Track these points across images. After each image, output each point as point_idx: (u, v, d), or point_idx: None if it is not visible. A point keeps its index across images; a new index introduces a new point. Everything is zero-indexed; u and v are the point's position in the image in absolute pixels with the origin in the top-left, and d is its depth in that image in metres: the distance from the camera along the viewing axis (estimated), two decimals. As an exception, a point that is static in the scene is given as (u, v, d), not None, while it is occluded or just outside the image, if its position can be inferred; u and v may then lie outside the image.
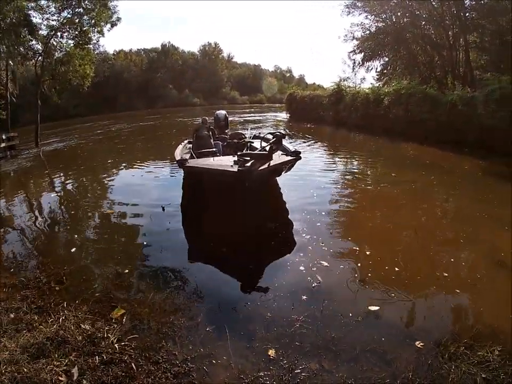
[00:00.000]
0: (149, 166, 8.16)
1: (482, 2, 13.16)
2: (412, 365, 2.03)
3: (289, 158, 4.29)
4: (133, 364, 1.99)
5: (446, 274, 3.05)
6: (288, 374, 1.98)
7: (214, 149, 5.72)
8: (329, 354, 2.13)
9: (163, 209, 4.78)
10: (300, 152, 4.46)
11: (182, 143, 6.79)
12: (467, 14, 13.55)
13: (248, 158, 3.68)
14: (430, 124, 10.32)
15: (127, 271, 3.21)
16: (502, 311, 2.56)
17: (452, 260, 3.38)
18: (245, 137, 6.42)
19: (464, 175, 6.72)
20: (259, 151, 4.27)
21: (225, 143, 6.40)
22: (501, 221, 4.24)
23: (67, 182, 7.22)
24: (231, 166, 3.70)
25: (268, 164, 3.70)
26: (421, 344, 2.19)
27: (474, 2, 13.43)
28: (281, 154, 4.56)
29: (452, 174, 6.74)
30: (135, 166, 8.20)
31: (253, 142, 5.84)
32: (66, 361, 2.00)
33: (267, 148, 4.20)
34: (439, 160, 8.02)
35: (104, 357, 2.04)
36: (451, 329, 2.36)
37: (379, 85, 16.93)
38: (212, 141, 6.01)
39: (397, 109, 11.64)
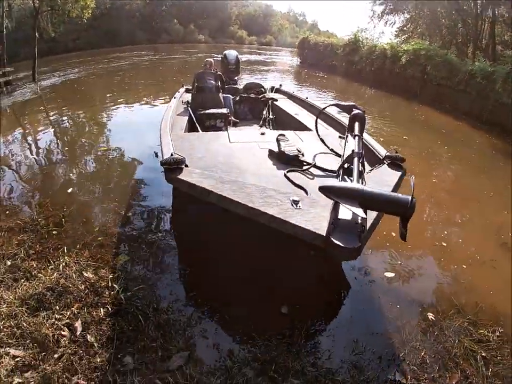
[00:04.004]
0: (148, 103, 7.80)
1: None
2: (419, 334, 2.03)
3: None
4: (140, 317, 1.89)
5: (445, 244, 3.08)
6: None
7: (225, 110, 3.97)
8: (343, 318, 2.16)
9: (156, 155, 4.34)
10: (403, 159, 2.26)
11: (177, 94, 4.67)
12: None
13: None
14: (447, 90, 9.93)
15: (130, 214, 3.06)
16: (504, 293, 2.50)
17: (456, 235, 3.33)
18: (265, 91, 5.10)
19: (477, 150, 6.46)
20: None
21: (237, 98, 4.86)
22: (506, 202, 4.11)
23: (64, 118, 6.79)
24: (292, 208, 1.68)
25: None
26: (431, 315, 2.18)
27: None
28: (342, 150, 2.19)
29: (464, 146, 6.51)
30: (134, 103, 7.81)
31: (276, 100, 4.65)
32: (69, 313, 1.87)
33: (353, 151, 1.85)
34: (451, 130, 7.69)
35: (109, 309, 1.92)
36: (458, 303, 2.32)
37: (397, 41, 15.86)
38: (220, 94, 4.25)
39: (413, 70, 11.12)
